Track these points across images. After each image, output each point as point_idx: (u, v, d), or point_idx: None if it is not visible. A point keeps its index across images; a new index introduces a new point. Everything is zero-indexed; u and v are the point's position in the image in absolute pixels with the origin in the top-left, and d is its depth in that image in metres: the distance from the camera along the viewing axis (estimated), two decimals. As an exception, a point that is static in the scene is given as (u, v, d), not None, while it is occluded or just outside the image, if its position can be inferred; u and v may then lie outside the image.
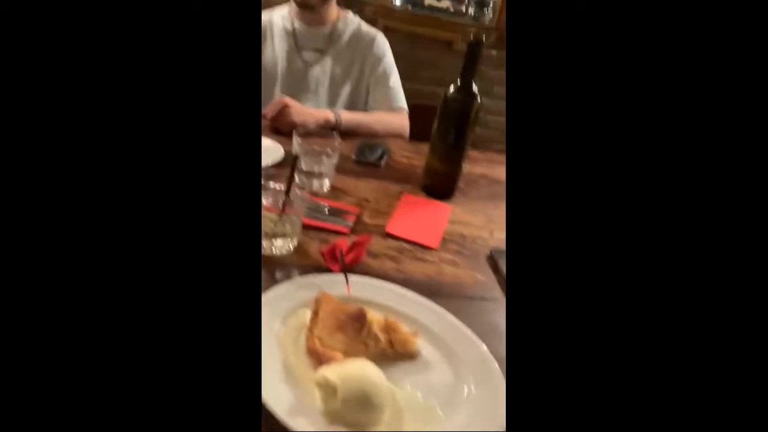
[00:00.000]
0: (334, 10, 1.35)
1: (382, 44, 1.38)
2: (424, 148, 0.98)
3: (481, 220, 0.90)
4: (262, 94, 1.41)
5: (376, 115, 1.33)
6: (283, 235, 0.69)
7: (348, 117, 1.23)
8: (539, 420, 0.28)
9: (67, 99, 0.29)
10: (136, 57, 0.30)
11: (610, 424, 0.27)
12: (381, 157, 1.11)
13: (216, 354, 0.30)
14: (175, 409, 0.29)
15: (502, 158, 1.22)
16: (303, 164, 0.87)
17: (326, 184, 0.92)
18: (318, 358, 0.48)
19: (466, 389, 0.49)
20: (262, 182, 0.70)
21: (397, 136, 1.33)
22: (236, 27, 0.31)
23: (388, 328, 0.52)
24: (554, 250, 0.29)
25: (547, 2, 0.31)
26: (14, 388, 0.27)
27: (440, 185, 0.97)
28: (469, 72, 0.88)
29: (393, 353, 0.51)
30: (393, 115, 1.36)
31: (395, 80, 1.39)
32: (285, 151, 1.01)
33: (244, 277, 0.31)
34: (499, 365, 0.52)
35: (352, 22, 1.37)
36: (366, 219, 0.84)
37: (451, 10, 2.45)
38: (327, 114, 1.20)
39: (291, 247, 0.70)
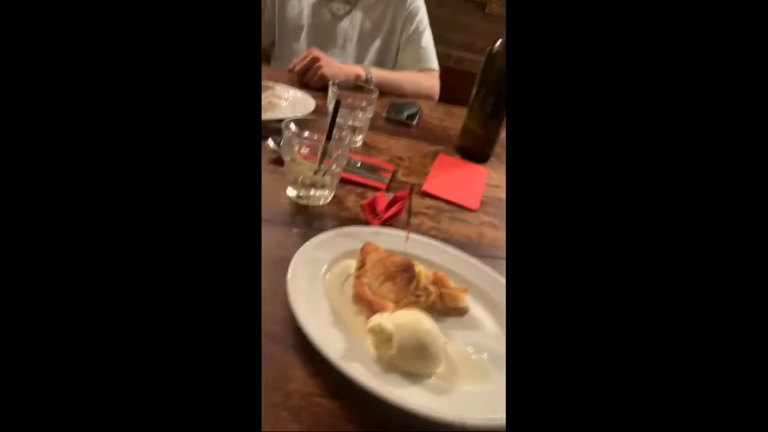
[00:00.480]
0: None
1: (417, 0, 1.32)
2: (456, 110, 0.95)
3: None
4: (286, 49, 1.36)
5: (406, 74, 1.28)
6: (322, 186, 0.66)
7: (378, 74, 1.18)
8: (539, 420, 0.27)
9: (61, 60, 0.27)
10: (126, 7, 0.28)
11: (611, 424, 0.27)
12: (413, 117, 1.08)
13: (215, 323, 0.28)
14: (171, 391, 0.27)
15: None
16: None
17: (359, 139, 0.89)
18: (369, 306, 0.47)
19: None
20: (297, 131, 0.67)
21: (427, 97, 1.29)
22: None
23: (438, 282, 0.50)
24: (554, 249, 0.29)
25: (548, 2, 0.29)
26: (13, 388, 0.26)
27: (477, 148, 0.94)
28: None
29: (443, 307, 0.50)
30: (424, 75, 1.31)
31: (428, 39, 1.34)
32: (316, 104, 0.97)
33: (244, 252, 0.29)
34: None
35: None
36: (400, 177, 0.81)
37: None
38: (357, 69, 1.16)
39: (328, 198, 0.68)
